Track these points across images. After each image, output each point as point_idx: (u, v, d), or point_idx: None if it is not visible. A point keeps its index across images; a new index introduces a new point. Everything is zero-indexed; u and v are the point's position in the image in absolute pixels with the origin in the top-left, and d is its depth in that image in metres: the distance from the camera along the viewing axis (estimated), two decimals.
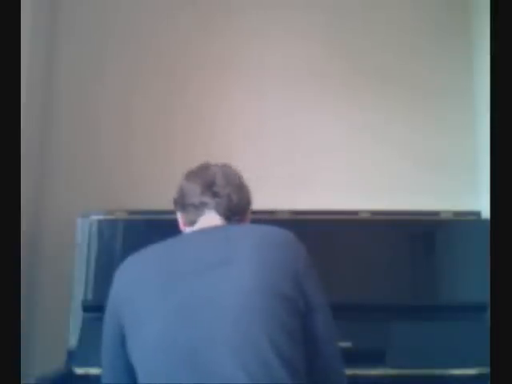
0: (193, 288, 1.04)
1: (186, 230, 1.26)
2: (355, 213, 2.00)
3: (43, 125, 2.32)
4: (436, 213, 2.01)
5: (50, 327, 2.13)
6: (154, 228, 1.95)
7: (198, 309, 1.02)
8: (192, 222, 1.24)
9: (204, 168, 1.29)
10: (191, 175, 1.29)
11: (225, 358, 0.97)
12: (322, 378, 1.10)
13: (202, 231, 1.19)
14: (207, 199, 1.23)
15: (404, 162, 2.31)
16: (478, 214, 2.02)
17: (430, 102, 2.36)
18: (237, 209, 1.24)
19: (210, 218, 1.22)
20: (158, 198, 2.16)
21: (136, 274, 1.12)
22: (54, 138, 2.35)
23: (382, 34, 2.42)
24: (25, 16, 2.05)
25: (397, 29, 2.42)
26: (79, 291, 1.93)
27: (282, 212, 1.93)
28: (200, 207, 1.23)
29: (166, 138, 2.34)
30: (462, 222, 1.99)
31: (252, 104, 2.36)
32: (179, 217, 1.29)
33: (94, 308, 1.89)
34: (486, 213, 2.00)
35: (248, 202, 1.29)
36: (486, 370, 1.59)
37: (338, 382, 1.13)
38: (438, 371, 1.73)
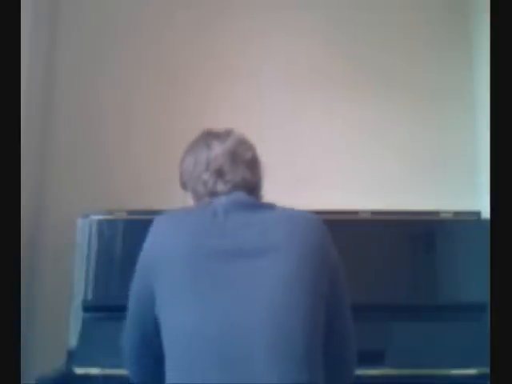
0: (225, 277, 1.02)
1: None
2: (355, 213, 2.00)
3: (43, 125, 2.32)
4: (436, 213, 2.01)
5: (50, 327, 2.13)
6: None
7: (230, 301, 1.00)
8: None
9: (204, 145, 1.24)
10: (194, 155, 1.24)
11: (255, 354, 0.95)
12: (337, 369, 1.12)
13: (237, 207, 1.12)
14: (221, 187, 1.18)
15: (404, 162, 2.32)
16: (478, 214, 2.02)
17: (431, 102, 2.37)
18: (253, 186, 1.21)
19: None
20: (158, 198, 2.17)
21: (174, 240, 1.07)
22: (54, 138, 2.34)
23: (383, 35, 2.42)
24: (25, 16, 2.05)
25: (397, 30, 2.43)
26: (79, 291, 1.93)
27: None
28: (215, 195, 1.18)
29: (167, 138, 2.34)
30: (462, 221, 1.99)
31: (252, 104, 2.36)
32: (192, 198, 1.24)
33: (94, 308, 1.90)
34: (486, 213, 2.00)
35: (261, 173, 1.26)
36: (486, 370, 1.59)
37: (349, 376, 1.16)
38: (438, 371, 1.72)
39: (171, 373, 1.01)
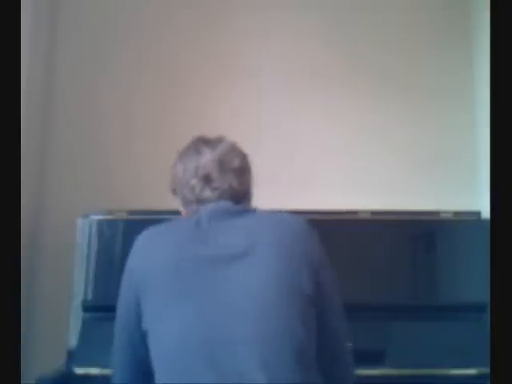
0: (213, 282, 1.03)
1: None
2: (355, 213, 2.00)
3: (43, 125, 2.32)
4: (436, 213, 2.01)
5: (50, 327, 2.13)
6: None
7: (219, 305, 1.01)
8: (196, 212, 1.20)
9: (194, 152, 1.24)
10: (184, 162, 1.25)
11: (243, 356, 0.96)
12: (334, 371, 1.12)
13: (220, 214, 1.14)
14: (208, 194, 1.19)
15: (404, 162, 2.32)
16: (478, 214, 2.02)
17: (430, 102, 2.37)
18: (241, 194, 1.21)
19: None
20: (158, 198, 2.16)
21: (158, 252, 1.09)
22: (54, 137, 2.35)
23: (382, 35, 2.42)
24: (25, 16, 2.05)
25: (396, 30, 2.42)
26: (79, 291, 1.93)
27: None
28: (202, 202, 1.19)
29: (167, 138, 2.33)
30: (462, 221, 1.99)
31: (252, 104, 2.36)
32: (179, 204, 1.26)
33: (94, 308, 1.90)
34: (486, 213, 2.00)
35: (250, 182, 1.26)
36: (486, 370, 1.59)
37: (347, 376, 1.15)
38: (438, 371, 1.72)
39: (161, 375, 1.01)
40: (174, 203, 1.98)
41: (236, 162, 1.23)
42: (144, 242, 1.14)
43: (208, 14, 2.43)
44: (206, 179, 1.20)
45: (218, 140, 1.27)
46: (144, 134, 2.35)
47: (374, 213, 2.00)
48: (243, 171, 1.25)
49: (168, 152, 2.30)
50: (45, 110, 2.34)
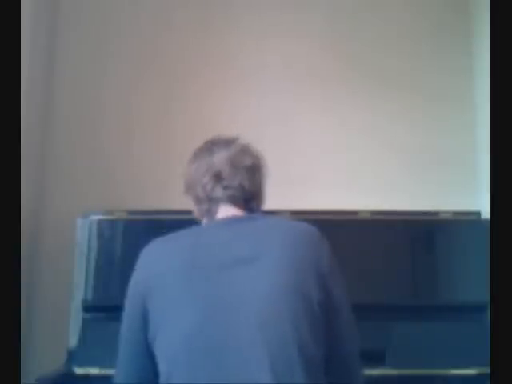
0: (220, 285, 1.03)
1: (204, 220, 1.24)
2: (355, 213, 2.00)
3: (43, 125, 2.33)
4: (436, 213, 2.01)
5: (50, 327, 2.13)
6: (154, 228, 1.94)
7: (226, 308, 1.01)
8: (208, 213, 1.21)
9: (207, 153, 1.24)
10: (197, 161, 1.24)
11: (251, 358, 0.96)
12: (342, 376, 1.11)
13: (227, 223, 1.16)
14: (219, 193, 1.19)
15: (404, 162, 2.32)
16: (478, 214, 2.02)
17: (430, 102, 2.37)
18: (251, 195, 1.22)
19: (227, 210, 1.20)
20: (158, 198, 2.17)
21: (165, 260, 1.10)
22: (54, 137, 2.35)
23: (382, 35, 2.42)
24: (25, 16, 2.05)
25: (397, 30, 2.43)
26: (79, 291, 1.93)
27: (283, 212, 1.93)
28: (213, 200, 1.20)
29: (167, 138, 2.34)
30: (462, 221, 1.99)
31: (252, 104, 2.36)
32: (193, 204, 1.25)
33: (94, 308, 1.90)
34: (486, 213, 2.00)
35: (261, 182, 1.26)
36: (486, 370, 1.59)
37: (357, 380, 1.14)
38: (438, 371, 1.72)
39: (167, 378, 1.01)
40: (174, 203, 1.98)
41: (247, 161, 1.23)
42: (150, 252, 1.14)
43: (208, 14, 2.44)
44: (217, 177, 1.20)
45: (232, 140, 1.27)
46: (144, 134, 2.35)
47: (373, 213, 2.00)
48: (255, 170, 1.24)
49: (168, 152, 2.32)
50: (45, 109, 2.34)
